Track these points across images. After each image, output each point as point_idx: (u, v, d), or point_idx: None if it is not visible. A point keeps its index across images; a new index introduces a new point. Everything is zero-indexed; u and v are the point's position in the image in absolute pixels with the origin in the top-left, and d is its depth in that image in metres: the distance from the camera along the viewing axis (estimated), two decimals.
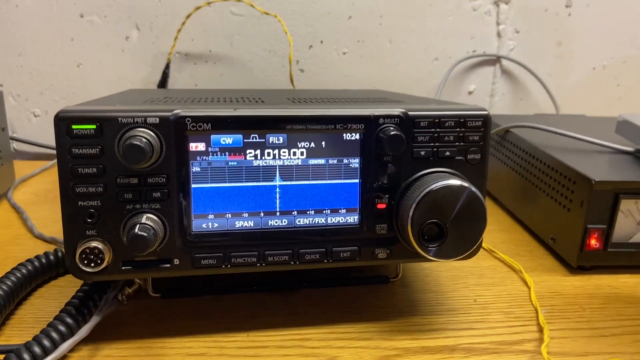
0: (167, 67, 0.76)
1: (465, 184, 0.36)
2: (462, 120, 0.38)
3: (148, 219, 0.35)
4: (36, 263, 0.43)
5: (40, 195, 0.63)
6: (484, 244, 0.54)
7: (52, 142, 0.78)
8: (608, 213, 0.46)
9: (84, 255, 0.34)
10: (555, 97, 0.84)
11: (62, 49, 0.76)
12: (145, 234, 0.34)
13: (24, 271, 0.42)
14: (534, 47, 0.84)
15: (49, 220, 0.56)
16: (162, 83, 0.76)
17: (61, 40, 0.76)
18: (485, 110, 0.39)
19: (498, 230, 0.58)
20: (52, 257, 0.45)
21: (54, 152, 0.77)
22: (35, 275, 0.43)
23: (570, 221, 0.48)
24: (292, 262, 0.38)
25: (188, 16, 0.74)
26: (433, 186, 0.36)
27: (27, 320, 0.40)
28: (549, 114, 0.82)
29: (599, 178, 0.45)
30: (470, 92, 0.86)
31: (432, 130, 0.38)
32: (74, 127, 0.33)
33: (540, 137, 0.59)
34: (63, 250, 0.46)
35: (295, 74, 0.80)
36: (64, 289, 0.44)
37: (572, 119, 0.72)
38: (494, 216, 0.63)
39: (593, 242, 0.47)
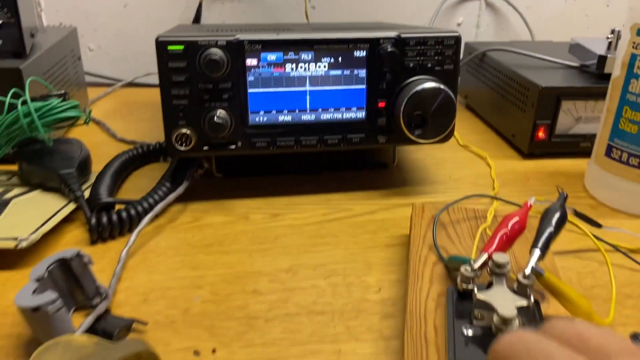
0: (200, 6, 0.89)
1: (442, 87, 0.51)
2: (439, 40, 0.53)
3: (220, 112, 0.50)
4: (130, 153, 0.59)
5: (110, 112, 0.79)
6: (460, 141, 0.70)
7: (106, 72, 0.93)
8: (552, 111, 0.62)
9: (177, 138, 0.50)
10: (531, 27, 0.97)
11: None
12: (220, 122, 0.49)
13: (124, 157, 0.58)
14: None
15: (124, 129, 0.71)
16: (197, 19, 0.89)
17: None
18: (457, 32, 0.53)
19: (474, 133, 0.74)
20: (140, 150, 0.61)
21: (109, 81, 0.91)
22: (132, 161, 0.59)
23: (524, 119, 0.64)
24: (318, 146, 0.54)
25: None
26: (418, 88, 0.51)
27: (132, 191, 0.56)
28: (523, 41, 0.95)
29: (545, 84, 0.60)
30: (458, 24, 0.99)
31: (418, 47, 0.52)
32: (169, 47, 0.48)
33: (510, 59, 0.73)
34: (146, 147, 0.61)
35: (308, 10, 0.93)
36: (152, 172, 0.60)
37: (540, 44, 0.85)
38: (472, 124, 0.78)
39: (540, 134, 0.62)
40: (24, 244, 0.42)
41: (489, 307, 0.32)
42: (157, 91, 0.91)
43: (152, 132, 0.71)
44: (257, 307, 0.40)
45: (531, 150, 0.64)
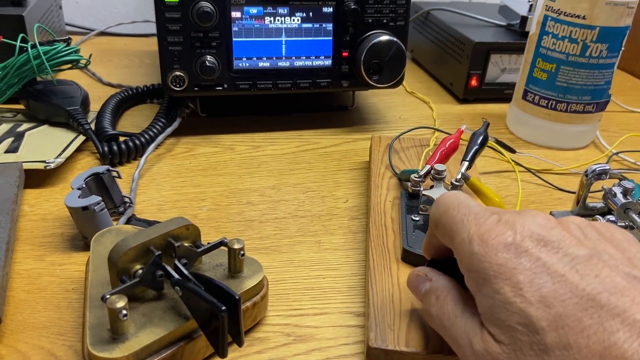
0: None
1: (395, 39, 0.62)
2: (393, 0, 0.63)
3: (210, 58, 0.59)
4: (123, 94, 0.67)
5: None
6: (408, 89, 0.81)
7: (77, 22, 0.97)
8: (483, 63, 0.74)
9: (172, 80, 0.59)
10: None
11: None
12: (211, 65, 0.58)
13: (119, 97, 0.65)
14: None
15: (108, 74, 0.78)
16: None
17: None
18: None
19: (419, 82, 0.86)
20: (130, 92, 0.68)
21: (81, 30, 0.96)
22: (125, 101, 0.67)
23: (460, 69, 0.76)
24: (292, 88, 0.64)
25: None
26: (375, 40, 0.61)
27: (127, 127, 0.64)
28: (461, 1, 1.07)
29: (478, 40, 0.72)
30: None
31: (376, 6, 0.62)
32: (166, 0, 0.56)
33: (450, 17, 0.84)
34: (135, 89, 0.69)
35: None
36: (143, 111, 0.68)
37: (475, 5, 0.97)
38: (417, 75, 0.90)
39: (473, 82, 0.75)
40: (51, 166, 0.50)
41: (431, 202, 0.44)
42: (131, 40, 0.98)
43: (133, 77, 0.78)
44: (251, 213, 0.50)
45: (465, 96, 0.76)
